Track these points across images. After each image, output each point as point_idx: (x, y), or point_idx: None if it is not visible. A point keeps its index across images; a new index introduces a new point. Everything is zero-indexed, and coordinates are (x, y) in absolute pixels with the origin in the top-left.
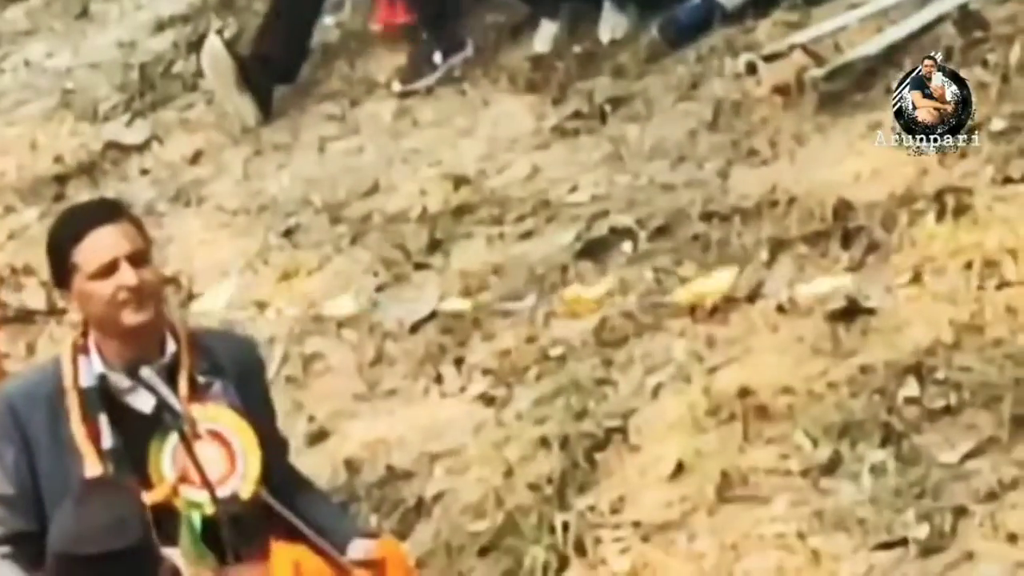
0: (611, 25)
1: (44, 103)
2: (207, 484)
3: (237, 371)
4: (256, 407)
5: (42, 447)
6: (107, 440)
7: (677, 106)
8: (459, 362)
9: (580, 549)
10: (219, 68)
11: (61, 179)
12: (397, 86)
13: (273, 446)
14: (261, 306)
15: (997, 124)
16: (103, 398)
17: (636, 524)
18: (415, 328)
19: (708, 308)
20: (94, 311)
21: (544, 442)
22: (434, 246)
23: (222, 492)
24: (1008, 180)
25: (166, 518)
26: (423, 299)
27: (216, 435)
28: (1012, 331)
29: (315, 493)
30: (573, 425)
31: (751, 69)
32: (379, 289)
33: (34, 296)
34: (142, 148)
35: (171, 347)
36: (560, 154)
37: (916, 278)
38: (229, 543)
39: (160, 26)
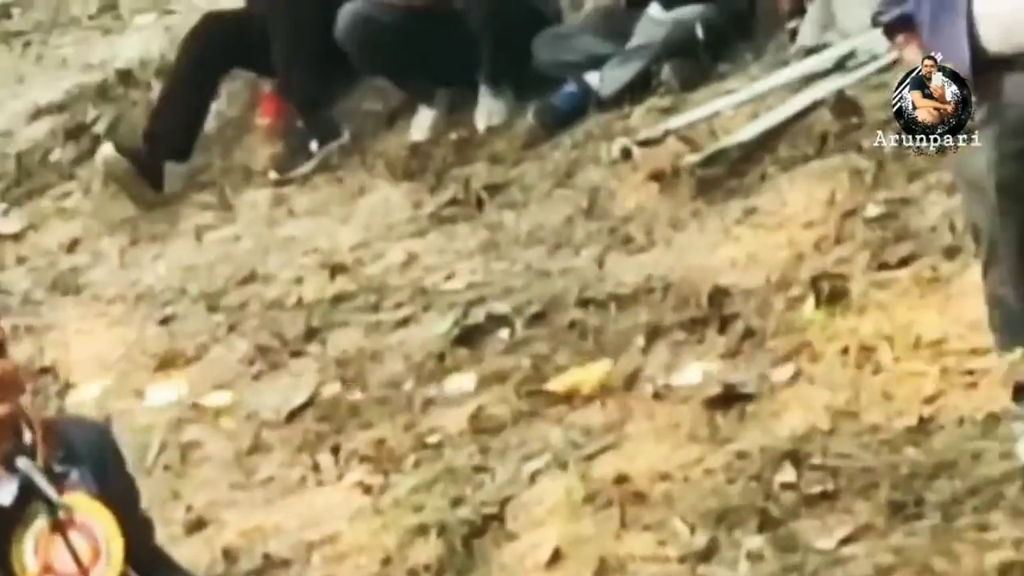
0: (487, 111)
1: None
2: (83, 572)
3: (94, 457)
4: (115, 492)
5: None
6: None
7: (553, 192)
8: (336, 450)
9: None
10: (117, 172)
11: None
12: (273, 174)
13: (137, 529)
14: (138, 395)
15: (872, 210)
16: None
17: None
18: (292, 416)
19: (584, 395)
20: None
21: (422, 529)
22: (311, 334)
23: None
24: (883, 266)
25: None
26: (300, 387)
27: (80, 524)
28: (888, 417)
29: None
30: (451, 512)
31: (626, 155)
32: (256, 377)
33: None
34: (19, 236)
35: (27, 437)
36: (437, 241)
37: (793, 364)
38: None
39: (36, 114)
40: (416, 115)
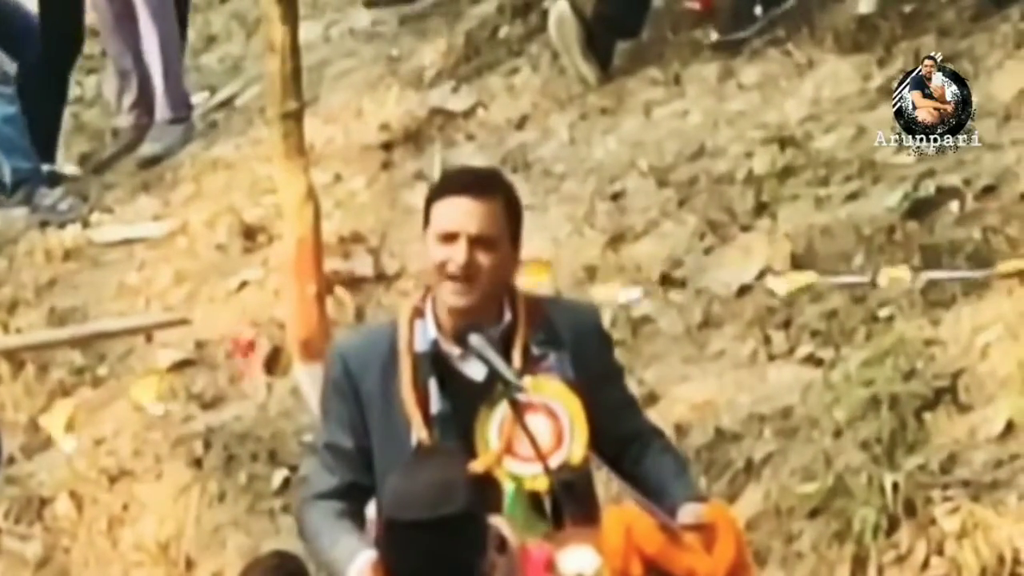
0: None
1: (369, 71)
2: (540, 456)
3: (576, 341)
4: (595, 377)
5: (374, 406)
6: (435, 405)
7: (1004, 64)
8: (787, 324)
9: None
10: (565, 31)
11: (387, 146)
12: (714, 35)
13: (619, 411)
14: (589, 271)
15: None
16: (435, 363)
17: (966, 483)
18: (742, 291)
19: None
20: (429, 267)
21: (873, 403)
22: (761, 208)
23: (549, 464)
24: None
25: (486, 487)
26: (750, 261)
27: (544, 407)
28: None
29: (664, 448)
30: (902, 385)
31: None
32: (706, 252)
33: (362, 263)
34: (468, 114)
35: (507, 316)
36: (886, 114)
37: None
38: (565, 510)
39: None
40: None
